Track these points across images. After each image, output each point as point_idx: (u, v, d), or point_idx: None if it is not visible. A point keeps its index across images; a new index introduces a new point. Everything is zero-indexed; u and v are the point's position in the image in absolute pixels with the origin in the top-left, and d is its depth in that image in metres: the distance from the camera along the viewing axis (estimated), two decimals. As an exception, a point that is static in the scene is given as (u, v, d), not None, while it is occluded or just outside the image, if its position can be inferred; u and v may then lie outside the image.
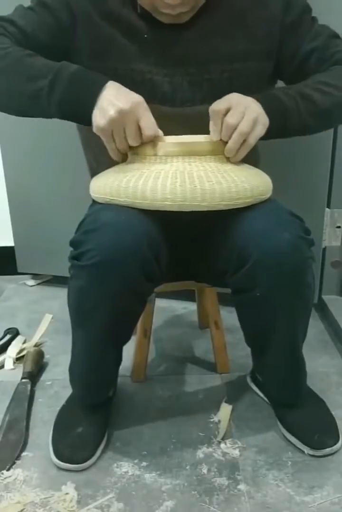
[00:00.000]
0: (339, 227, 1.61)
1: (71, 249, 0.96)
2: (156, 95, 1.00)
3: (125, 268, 0.90)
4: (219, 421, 1.19)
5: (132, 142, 0.89)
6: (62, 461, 1.06)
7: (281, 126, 0.95)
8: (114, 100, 0.86)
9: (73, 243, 0.96)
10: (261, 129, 0.90)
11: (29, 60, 0.92)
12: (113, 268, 0.90)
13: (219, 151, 0.92)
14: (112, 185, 0.92)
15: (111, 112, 0.85)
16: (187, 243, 1.07)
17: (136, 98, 0.88)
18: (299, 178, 1.53)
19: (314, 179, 1.54)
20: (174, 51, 1.00)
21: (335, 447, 1.08)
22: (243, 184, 0.89)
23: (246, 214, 0.93)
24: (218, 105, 0.90)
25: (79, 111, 0.90)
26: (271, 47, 1.03)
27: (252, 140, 0.90)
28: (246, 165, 0.98)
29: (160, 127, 0.92)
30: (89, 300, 0.96)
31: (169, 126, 0.95)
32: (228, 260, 0.97)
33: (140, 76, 1.00)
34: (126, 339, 1.08)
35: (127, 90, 0.89)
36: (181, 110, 1.01)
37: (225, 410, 1.22)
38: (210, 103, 0.93)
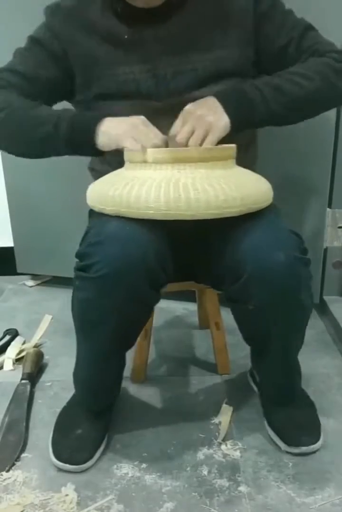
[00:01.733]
0: (340, 227, 1.61)
1: (77, 260, 0.96)
2: (142, 91, 1.03)
3: (133, 279, 0.91)
4: (219, 422, 1.19)
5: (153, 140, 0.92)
6: (60, 461, 1.06)
7: (246, 118, 0.98)
8: (115, 123, 0.95)
9: (79, 255, 0.96)
10: (218, 132, 0.94)
11: (34, 112, 1.01)
12: (120, 280, 0.90)
13: (210, 158, 0.91)
14: (101, 194, 0.93)
15: (115, 129, 0.94)
16: (188, 247, 1.07)
17: (136, 117, 0.94)
18: (300, 178, 1.53)
19: (315, 179, 1.54)
20: (154, 46, 1.03)
21: (311, 447, 1.08)
22: (232, 192, 0.87)
23: (244, 226, 0.93)
24: (189, 107, 0.95)
25: (84, 142, 0.97)
26: (247, 36, 1.05)
27: (209, 143, 0.93)
28: (244, 171, 0.96)
29: (150, 121, 0.95)
30: (96, 311, 0.96)
31: (158, 119, 0.97)
32: (225, 269, 0.98)
33: (124, 77, 1.03)
34: (132, 345, 1.10)
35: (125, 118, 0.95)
36: (167, 102, 1.02)
37: (226, 411, 1.22)
38: (196, 90, 0.99)
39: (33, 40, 1.08)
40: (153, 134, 0.92)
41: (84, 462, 1.06)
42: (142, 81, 1.03)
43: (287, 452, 1.08)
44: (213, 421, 1.20)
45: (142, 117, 0.94)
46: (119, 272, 0.89)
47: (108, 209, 0.91)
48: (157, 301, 1.03)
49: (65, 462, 1.06)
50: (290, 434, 1.10)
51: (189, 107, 0.95)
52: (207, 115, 0.94)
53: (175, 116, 0.97)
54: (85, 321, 1.01)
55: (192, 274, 1.19)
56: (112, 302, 0.93)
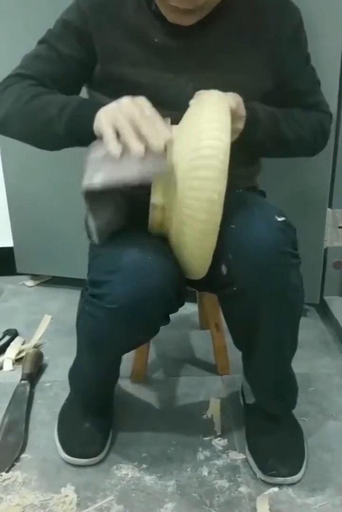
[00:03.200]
0: (340, 227, 1.60)
1: (89, 286, 0.93)
2: (160, 98, 0.98)
3: (148, 312, 0.89)
4: (212, 416, 1.20)
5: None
6: (73, 456, 1.07)
7: (248, 131, 0.96)
8: (114, 105, 0.84)
9: (92, 283, 0.93)
10: (236, 106, 0.90)
11: (46, 97, 0.95)
12: (136, 313, 0.88)
13: None
14: None
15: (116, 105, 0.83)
16: None
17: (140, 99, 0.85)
18: (301, 178, 1.53)
19: (315, 179, 1.53)
20: (181, 58, 1.01)
21: (288, 479, 1.01)
22: None
23: (230, 206, 0.90)
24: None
25: (81, 127, 0.88)
26: (273, 69, 1.05)
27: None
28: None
29: None
30: (105, 337, 0.95)
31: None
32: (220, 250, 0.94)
33: (146, 79, 1.01)
34: None
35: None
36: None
37: (214, 405, 1.24)
38: None
39: (65, 23, 1.04)
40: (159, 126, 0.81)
41: (97, 454, 1.07)
42: (163, 88, 1.01)
43: (262, 480, 1.02)
44: (203, 417, 1.21)
45: (144, 102, 0.84)
46: (135, 306, 0.87)
47: None
48: (166, 325, 1.02)
49: (79, 457, 1.07)
50: (267, 462, 1.03)
51: (236, 98, 0.92)
52: (240, 117, 0.93)
53: None
54: (91, 342, 0.99)
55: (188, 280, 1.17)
56: (124, 331, 0.92)
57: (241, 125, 0.93)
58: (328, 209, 1.58)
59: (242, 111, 0.93)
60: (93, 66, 1.04)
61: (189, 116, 0.89)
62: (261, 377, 1.08)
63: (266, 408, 1.10)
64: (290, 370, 1.07)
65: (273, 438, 1.07)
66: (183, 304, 0.99)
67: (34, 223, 1.84)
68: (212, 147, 0.79)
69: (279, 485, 1.01)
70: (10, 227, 1.88)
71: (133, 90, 0.94)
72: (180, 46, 1.01)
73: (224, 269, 0.92)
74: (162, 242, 0.91)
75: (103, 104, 0.86)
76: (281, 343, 1.01)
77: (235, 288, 0.92)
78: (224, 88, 0.96)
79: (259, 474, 1.03)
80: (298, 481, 1.02)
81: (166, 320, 0.98)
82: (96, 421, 1.12)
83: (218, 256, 0.91)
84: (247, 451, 1.09)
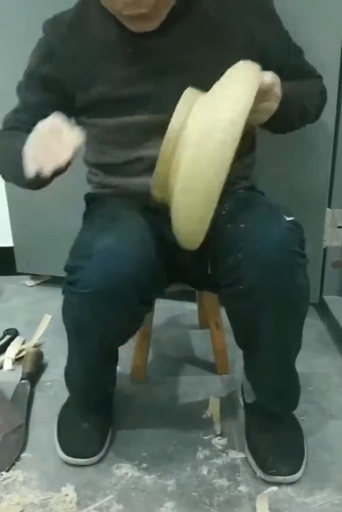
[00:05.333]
0: (340, 227, 1.60)
1: (66, 273, 0.95)
2: (148, 107, 1.01)
3: (121, 297, 0.90)
4: (211, 415, 1.21)
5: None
6: (71, 456, 1.07)
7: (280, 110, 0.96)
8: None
9: (67, 268, 0.95)
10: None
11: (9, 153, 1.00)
12: (108, 298, 0.89)
13: None
14: None
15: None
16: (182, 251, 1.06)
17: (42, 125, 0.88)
18: (300, 178, 1.53)
19: (314, 179, 1.54)
20: (158, 60, 1.01)
21: (288, 478, 1.01)
22: None
23: (238, 205, 0.93)
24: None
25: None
26: (252, 55, 1.01)
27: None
28: None
29: (155, 138, 0.93)
30: (83, 326, 0.97)
31: (160, 134, 0.93)
32: (215, 251, 0.96)
33: (128, 92, 1.01)
34: (121, 345, 1.09)
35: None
36: (171, 116, 1.00)
37: (214, 404, 1.24)
38: None
39: (30, 76, 1.07)
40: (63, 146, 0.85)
41: (95, 454, 1.08)
42: (147, 95, 1.01)
43: (262, 479, 1.02)
44: (203, 416, 1.21)
45: (49, 123, 0.87)
46: (106, 290, 0.88)
47: None
48: (147, 312, 1.03)
49: (76, 457, 1.07)
50: (266, 461, 1.03)
51: (273, 79, 0.90)
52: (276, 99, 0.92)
53: None
54: (74, 332, 1.01)
55: (188, 279, 1.17)
56: (99, 318, 0.93)
57: (275, 105, 0.92)
58: (328, 209, 1.59)
59: (278, 92, 0.91)
60: (66, 101, 1.05)
61: (215, 87, 0.86)
62: (263, 376, 1.08)
63: (267, 407, 1.09)
64: (293, 369, 1.07)
65: (273, 437, 1.07)
66: (161, 291, 1.00)
67: (34, 223, 1.84)
68: (228, 117, 0.78)
69: (279, 484, 1.01)
70: (10, 227, 1.88)
71: (116, 105, 0.99)
72: (154, 49, 1.00)
73: (232, 266, 0.92)
74: (141, 228, 0.91)
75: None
76: (285, 342, 1.01)
77: (241, 287, 0.93)
78: (211, 80, 0.94)
79: (259, 473, 1.03)
80: (298, 480, 1.02)
81: (146, 306, 0.98)
82: (94, 421, 1.12)
83: (227, 255, 0.92)
84: (246, 450, 1.09)
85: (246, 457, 1.08)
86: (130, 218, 0.98)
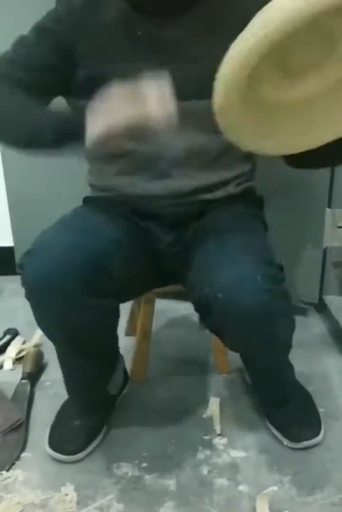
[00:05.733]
0: (340, 227, 1.60)
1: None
2: None
3: (61, 290, 0.89)
4: (211, 415, 1.21)
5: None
6: (53, 449, 1.09)
7: None
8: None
9: (18, 266, 0.96)
10: None
11: (27, 101, 0.95)
12: (48, 292, 0.89)
13: None
14: None
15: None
16: (168, 256, 1.07)
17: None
18: (300, 178, 1.53)
19: (314, 179, 1.54)
20: (167, 47, 1.00)
21: (313, 440, 1.10)
22: None
23: (215, 260, 0.91)
24: None
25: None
26: None
27: None
28: None
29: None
30: (40, 323, 0.98)
31: None
32: (197, 307, 0.96)
33: (133, 74, 0.98)
34: (106, 344, 1.09)
35: None
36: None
37: (214, 403, 1.25)
38: (205, 96, 0.92)
39: (41, 30, 1.03)
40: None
41: (74, 453, 1.08)
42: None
43: (290, 448, 1.09)
44: (203, 416, 1.21)
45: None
46: (45, 284, 0.89)
47: None
48: (112, 305, 1.01)
49: (56, 451, 1.08)
50: (292, 430, 1.11)
51: None
52: None
53: (183, 119, 0.96)
54: (43, 330, 1.02)
55: (178, 280, 1.15)
56: (48, 313, 0.93)
57: None
58: (327, 209, 1.59)
59: None
60: (68, 74, 1.02)
61: None
62: (261, 382, 1.17)
63: (268, 400, 1.18)
64: (286, 366, 1.14)
65: (290, 406, 1.14)
66: (120, 282, 0.97)
67: (34, 223, 1.83)
68: None
69: (307, 448, 1.09)
70: (10, 227, 1.88)
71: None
72: (164, 36, 1.00)
73: (213, 313, 0.91)
74: (95, 223, 0.91)
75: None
76: (277, 360, 1.09)
77: (226, 340, 0.99)
78: (209, 75, 0.91)
79: (286, 442, 1.10)
80: (321, 441, 1.11)
81: (104, 298, 0.95)
82: (85, 420, 1.12)
83: (207, 315, 0.93)
84: (269, 425, 1.16)
85: (269, 430, 1.15)
86: (88, 220, 0.98)
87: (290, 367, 1.16)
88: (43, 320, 0.97)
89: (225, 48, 0.98)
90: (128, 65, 0.98)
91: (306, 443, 1.09)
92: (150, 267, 1.07)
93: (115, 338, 1.12)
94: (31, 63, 1.01)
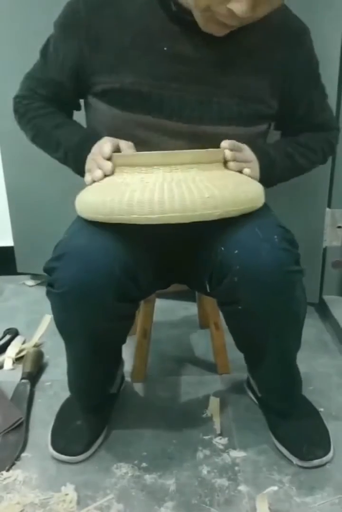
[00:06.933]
0: (339, 227, 1.61)
1: (46, 275, 0.95)
2: (164, 110, 0.98)
3: (96, 294, 0.89)
4: (211, 415, 1.21)
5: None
6: (56, 451, 1.08)
7: (265, 179, 1.01)
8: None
9: (46, 269, 0.95)
10: (256, 174, 0.99)
11: (52, 133, 1.07)
12: (83, 296, 0.88)
13: (201, 160, 0.88)
14: (91, 202, 0.89)
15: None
16: (173, 254, 1.06)
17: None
18: (300, 178, 1.52)
19: (314, 179, 1.53)
20: (188, 69, 0.98)
21: (324, 459, 1.05)
22: (228, 193, 0.85)
23: (230, 225, 0.91)
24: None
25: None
26: (275, 87, 1.05)
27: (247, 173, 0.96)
28: (236, 174, 0.93)
29: (165, 141, 0.97)
30: (66, 326, 0.98)
31: (174, 141, 0.97)
32: (210, 273, 0.96)
33: (148, 89, 0.98)
34: (118, 346, 1.10)
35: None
36: (187, 127, 0.99)
37: (214, 403, 1.24)
38: (217, 124, 0.99)
39: (59, 29, 1.04)
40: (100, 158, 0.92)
41: (78, 454, 1.08)
42: (167, 99, 0.98)
43: (300, 466, 1.05)
44: (203, 416, 1.21)
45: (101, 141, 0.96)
46: (80, 288, 0.88)
47: (100, 217, 0.87)
48: (133, 311, 1.02)
49: (60, 452, 1.08)
50: (302, 448, 1.06)
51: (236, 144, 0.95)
52: (251, 159, 0.99)
53: (192, 142, 0.98)
54: (61, 333, 1.01)
55: (182, 279, 1.16)
56: (78, 317, 0.93)
57: (248, 171, 0.95)
58: (327, 209, 1.59)
59: (246, 156, 0.97)
60: (86, 80, 1.02)
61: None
62: (266, 378, 1.11)
63: (274, 405, 1.13)
64: (295, 368, 1.11)
65: (298, 423, 1.10)
66: (145, 288, 0.99)
67: (34, 222, 1.84)
68: None
69: (317, 466, 1.05)
70: (10, 227, 1.88)
71: (134, 99, 0.97)
72: (189, 57, 0.98)
73: (229, 289, 0.92)
74: (117, 228, 0.90)
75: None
76: (286, 349, 1.05)
77: (240, 307, 0.93)
78: (230, 107, 0.99)
79: (296, 461, 1.06)
80: (332, 458, 1.07)
81: (127, 304, 0.96)
82: (88, 420, 1.12)
83: (223, 278, 0.92)
84: (275, 441, 1.11)
85: (275, 445, 1.11)
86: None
87: (299, 377, 1.12)
88: (69, 323, 0.96)
89: (245, 81, 1.01)
90: (144, 79, 0.98)
91: (317, 462, 1.05)
92: (160, 267, 1.05)
93: (125, 339, 1.12)
94: (51, 78, 1.07)
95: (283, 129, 1.17)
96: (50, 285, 0.92)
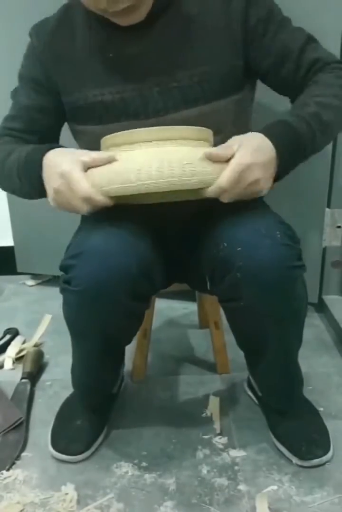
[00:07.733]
0: (339, 227, 1.61)
1: (62, 272, 0.95)
2: (129, 111, 1.00)
3: (113, 293, 0.89)
4: (211, 414, 1.21)
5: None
6: (57, 451, 1.09)
7: (295, 159, 0.93)
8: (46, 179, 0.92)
9: (62, 267, 0.95)
10: (260, 189, 0.87)
11: (7, 164, 0.99)
12: (100, 294, 0.89)
13: (190, 137, 0.88)
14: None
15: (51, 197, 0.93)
16: (176, 249, 1.07)
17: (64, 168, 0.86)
18: (299, 178, 1.53)
19: (314, 179, 1.54)
20: (139, 64, 0.99)
21: (324, 458, 1.05)
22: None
23: (232, 222, 0.91)
24: (225, 151, 0.85)
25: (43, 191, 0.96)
26: (235, 50, 1.00)
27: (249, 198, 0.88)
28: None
29: None
30: (80, 324, 0.98)
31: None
32: (212, 269, 0.96)
33: (110, 97, 1.00)
34: (125, 345, 1.11)
35: (57, 161, 0.89)
36: (155, 121, 0.99)
37: (214, 403, 1.25)
38: (184, 108, 0.97)
39: (23, 78, 1.07)
40: (77, 189, 0.86)
41: (79, 453, 1.08)
42: (129, 100, 0.99)
43: (299, 466, 1.05)
44: (203, 415, 1.21)
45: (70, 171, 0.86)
46: (98, 286, 0.88)
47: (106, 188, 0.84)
48: (143, 309, 1.03)
49: (61, 452, 1.08)
50: (301, 448, 1.06)
51: (244, 156, 0.84)
52: (257, 184, 0.86)
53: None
54: (72, 330, 1.02)
55: (183, 278, 1.17)
56: (94, 315, 0.93)
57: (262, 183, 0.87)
58: (327, 209, 1.59)
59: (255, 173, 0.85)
60: (58, 106, 1.05)
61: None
62: (267, 376, 1.11)
63: (274, 405, 1.13)
64: (296, 366, 1.11)
65: (298, 423, 1.10)
66: (157, 287, 1.00)
67: (35, 222, 1.84)
68: None
69: (316, 466, 1.05)
70: (10, 227, 1.88)
71: (101, 111, 0.99)
72: (134, 53, 0.99)
73: (231, 285, 0.92)
74: (132, 225, 0.91)
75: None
76: (287, 348, 1.05)
77: (242, 303, 0.93)
78: (191, 86, 0.97)
79: (295, 460, 1.06)
80: (331, 458, 1.07)
81: (141, 302, 0.97)
82: (89, 419, 1.13)
83: (225, 274, 0.92)
84: (274, 440, 1.11)
85: (274, 444, 1.11)
86: (121, 217, 0.96)
87: (300, 376, 1.12)
88: (82, 321, 0.96)
89: (199, 56, 0.99)
90: (104, 89, 1.00)
91: (316, 462, 1.05)
92: (166, 265, 1.05)
93: (132, 340, 1.12)
94: (22, 111, 1.06)
95: (284, 91, 1.06)
96: (66, 282, 0.93)
